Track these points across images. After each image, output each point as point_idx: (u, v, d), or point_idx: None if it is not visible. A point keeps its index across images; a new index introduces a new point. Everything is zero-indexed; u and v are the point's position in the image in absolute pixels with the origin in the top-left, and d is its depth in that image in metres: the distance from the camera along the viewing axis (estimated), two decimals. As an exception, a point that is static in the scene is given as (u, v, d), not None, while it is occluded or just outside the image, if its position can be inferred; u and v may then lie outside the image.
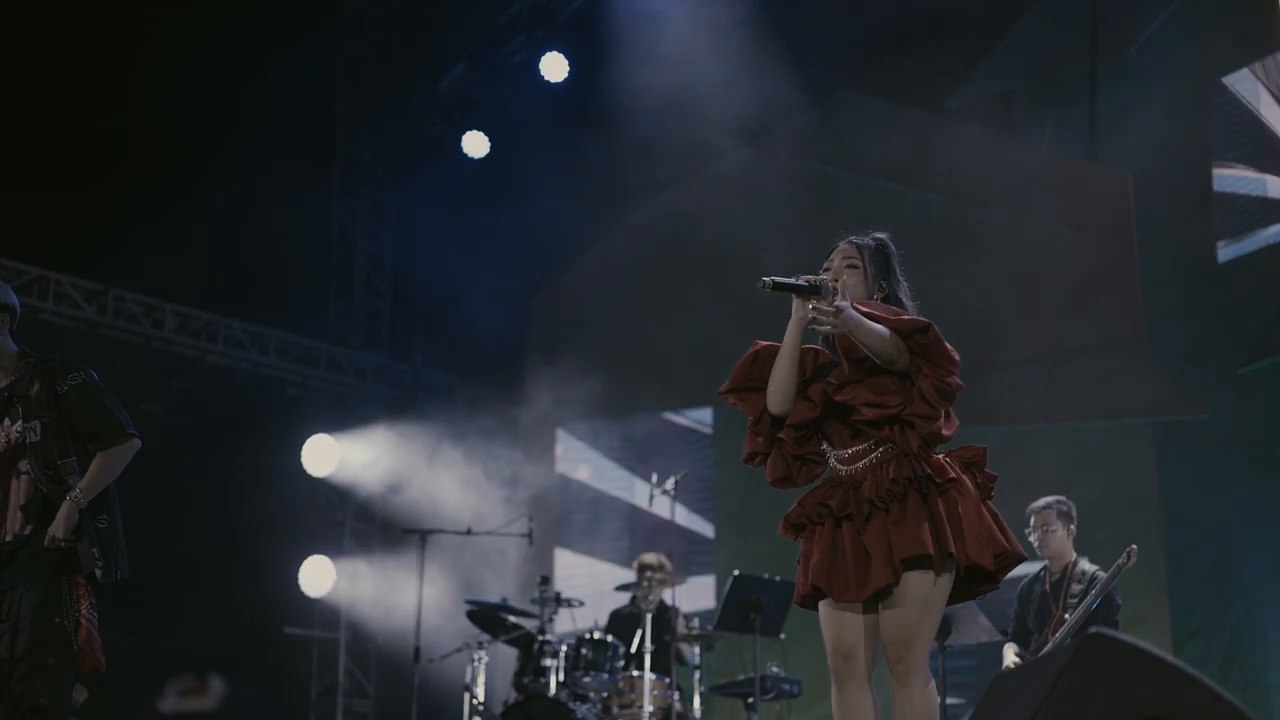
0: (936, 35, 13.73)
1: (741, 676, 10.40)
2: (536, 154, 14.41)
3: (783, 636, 10.40)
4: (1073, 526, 8.56)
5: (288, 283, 14.72)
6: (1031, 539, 8.63)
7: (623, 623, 10.65)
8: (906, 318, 4.96)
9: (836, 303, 4.78)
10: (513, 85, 14.82)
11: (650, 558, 10.92)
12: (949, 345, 4.95)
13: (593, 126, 14.35)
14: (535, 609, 10.47)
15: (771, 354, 5.17)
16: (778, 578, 10.28)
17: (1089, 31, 13.27)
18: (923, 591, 4.85)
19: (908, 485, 4.86)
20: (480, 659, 10.00)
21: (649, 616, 9.90)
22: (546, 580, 10.74)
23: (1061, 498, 8.58)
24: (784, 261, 14.12)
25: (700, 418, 14.79)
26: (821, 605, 5.07)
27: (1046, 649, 8.04)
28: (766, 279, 4.98)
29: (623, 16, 14.04)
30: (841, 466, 5.04)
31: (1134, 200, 13.08)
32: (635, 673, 9.99)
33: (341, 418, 14.99)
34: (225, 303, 14.21)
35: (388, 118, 15.33)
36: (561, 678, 9.85)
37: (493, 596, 12.18)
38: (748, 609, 9.88)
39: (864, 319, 4.82)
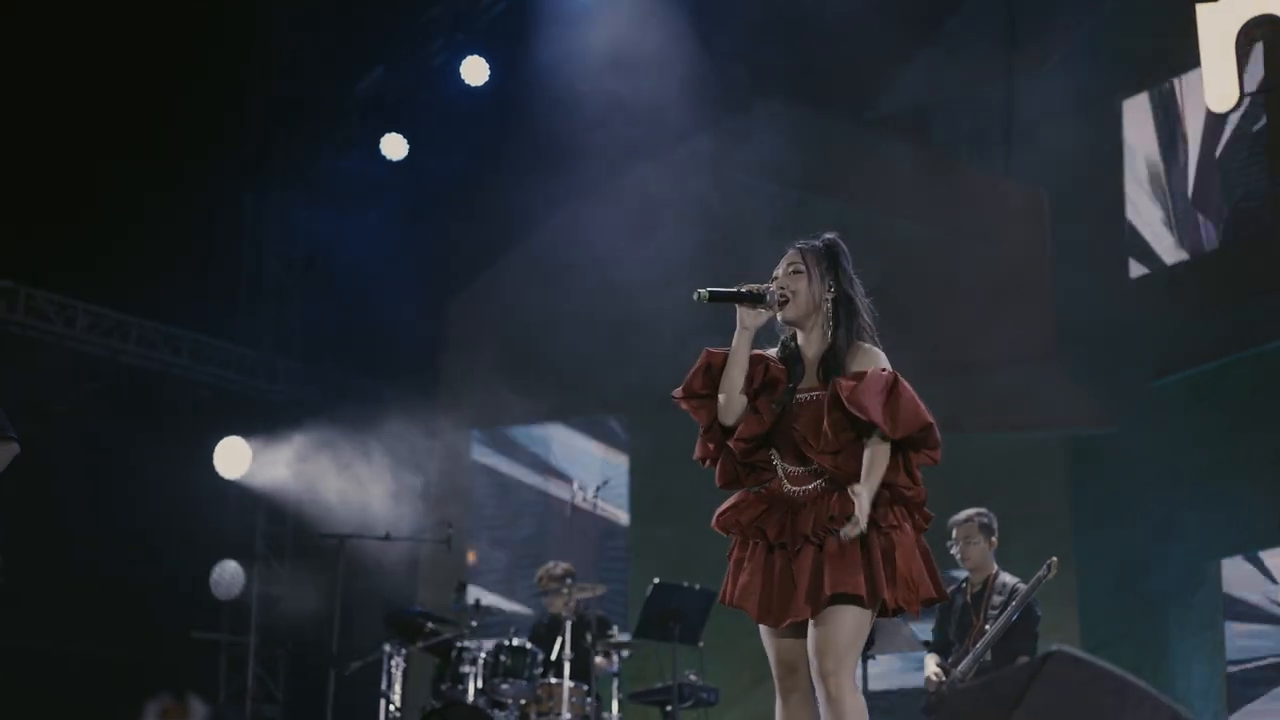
0: (855, 47, 13.79)
1: (659, 684, 10.41)
2: (456, 157, 14.35)
3: (701, 644, 10.42)
4: (994, 539, 8.64)
5: (201, 283, 14.58)
6: (953, 551, 8.70)
7: (542, 631, 10.64)
8: (910, 416, 4.94)
9: (855, 527, 4.79)
10: (432, 88, 14.74)
11: (553, 565, 10.90)
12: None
13: (513, 131, 14.33)
14: (453, 615, 10.44)
15: (721, 363, 5.18)
16: (697, 585, 10.30)
17: (1006, 48, 13.40)
18: (853, 618, 4.90)
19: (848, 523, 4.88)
20: (397, 665, 9.95)
21: (568, 624, 9.89)
22: (463, 587, 10.72)
23: (983, 510, 8.66)
24: (700, 273, 14.21)
25: (616, 424, 14.79)
26: (766, 637, 5.12)
27: (967, 660, 8.12)
28: (701, 290, 5.01)
29: (544, 22, 14.02)
30: (788, 483, 5.05)
31: (1047, 215, 13.25)
32: (554, 680, 9.99)
33: (254, 420, 14.86)
34: (138, 303, 14.04)
35: (303, 119, 15.21)
36: (480, 685, 9.82)
37: (410, 602, 12.16)
38: (667, 617, 9.90)
39: (868, 494, 4.84)
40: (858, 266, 13.38)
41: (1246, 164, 12.41)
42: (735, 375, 5.10)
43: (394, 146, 14.80)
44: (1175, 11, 12.28)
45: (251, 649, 14.68)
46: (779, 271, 5.21)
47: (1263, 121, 12.32)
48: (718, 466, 5.23)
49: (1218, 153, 12.59)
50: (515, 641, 10.03)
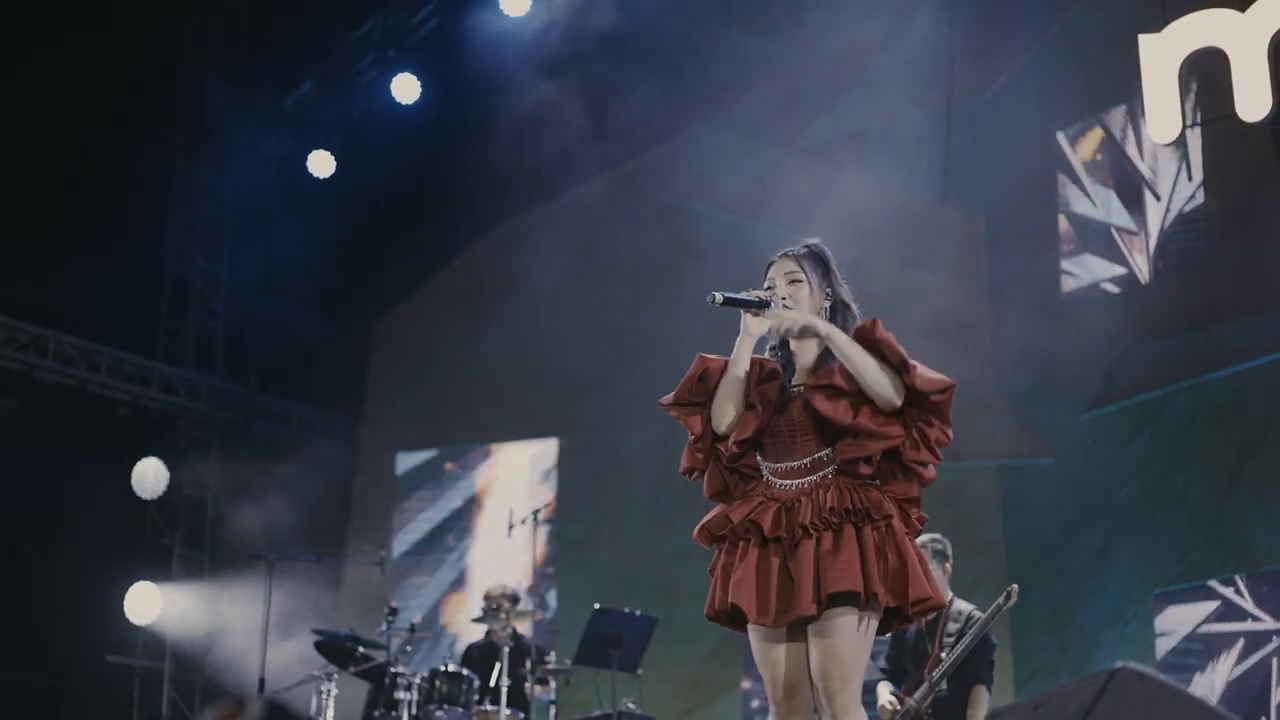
0: (790, 72, 13.75)
1: (597, 712, 10.20)
2: (385, 175, 14.14)
3: (640, 672, 10.24)
4: (948, 565, 8.51)
5: (121, 300, 14.25)
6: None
7: (477, 657, 10.39)
8: (934, 376, 4.80)
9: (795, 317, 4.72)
10: (362, 105, 14.53)
11: (496, 588, 10.70)
12: None
13: (444, 150, 14.15)
14: (384, 639, 10.19)
15: (718, 369, 5.02)
16: (638, 612, 10.13)
17: (946, 76, 13.38)
18: (854, 626, 4.74)
19: (845, 516, 4.73)
20: (329, 691, 9.67)
21: (506, 650, 9.67)
22: (395, 611, 10.46)
23: (936, 536, 8.52)
24: (631, 298, 14.10)
25: (546, 448, 14.58)
26: (755, 640, 4.93)
27: (922, 689, 7.99)
28: (716, 294, 4.87)
29: (475, 41, 13.87)
30: (777, 480, 4.90)
31: (983, 244, 13.22)
32: (490, 707, 9.76)
33: (173, 439, 14.53)
34: (56, 317, 13.69)
35: (230, 134, 14.94)
36: (414, 711, 9.57)
37: (336, 625, 11.88)
38: (606, 643, 9.71)
39: (825, 328, 4.77)
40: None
41: (1184, 196, 12.44)
42: (734, 381, 4.95)
43: (321, 164, 14.55)
44: (1114, 43, 12.31)
45: (167, 674, 14.31)
46: (777, 281, 5.04)
47: (1200, 154, 12.36)
48: (705, 477, 5.03)
49: (1155, 184, 12.60)
50: (451, 667, 9.79)
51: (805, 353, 5.01)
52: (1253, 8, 10.77)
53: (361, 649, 9.89)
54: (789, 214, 13.88)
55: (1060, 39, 12.73)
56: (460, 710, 9.67)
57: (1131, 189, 12.74)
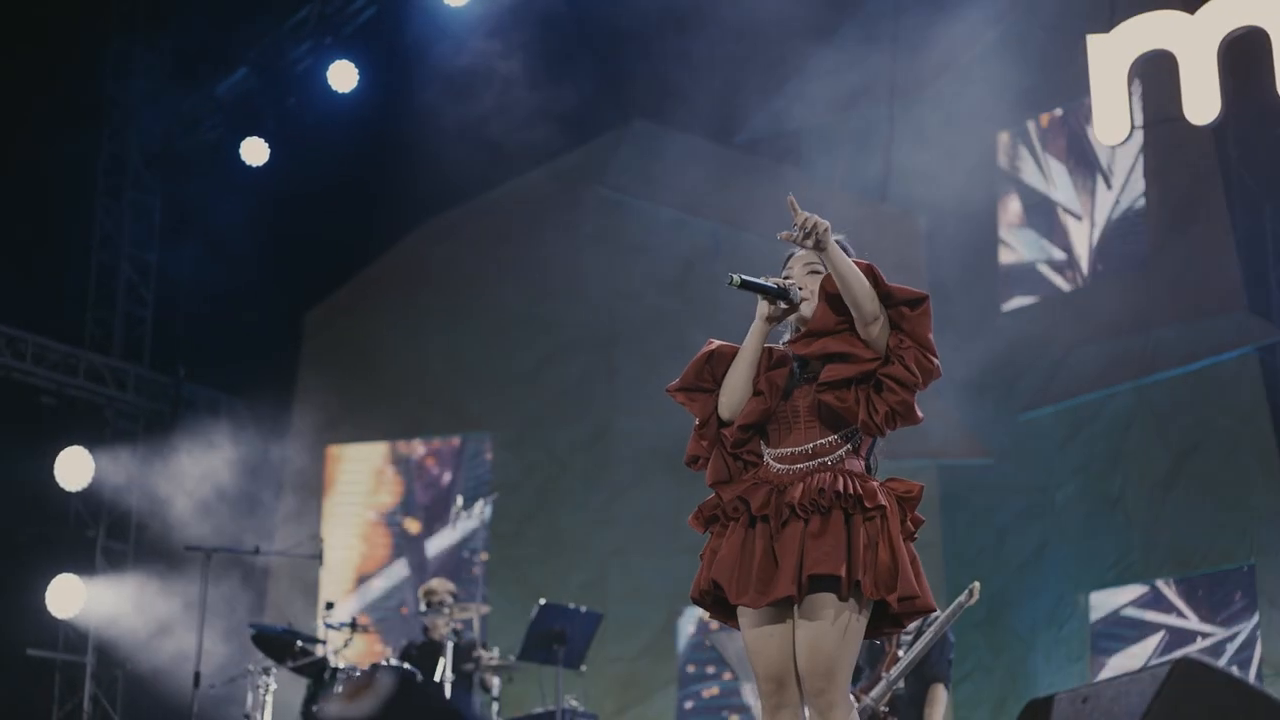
0: (730, 68, 13.69)
1: (540, 709, 10.09)
2: (320, 164, 13.92)
3: (584, 669, 10.14)
4: (903, 563, 8.41)
5: (48, 287, 13.97)
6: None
7: (417, 653, 10.22)
8: (901, 287, 4.77)
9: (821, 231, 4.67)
10: (297, 93, 14.30)
11: (435, 584, 10.56)
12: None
13: (381, 139, 13.97)
14: (322, 633, 10.02)
15: (727, 355, 4.94)
16: (583, 608, 10.02)
17: (887, 73, 13.36)
18: (839, 618, 4.63)
19: (835, 501, 4.64)
20: (267, 686, 9.48)
21: (450, 646, 9.52)
22: (332, 605, 10.30)
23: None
24: (569, 291, 13.99)
25: (479, 443, 14.42)
26: (746, 630, 4.82)
27: (880, 687, 7.92)
28: (735, 276, 4.78)
29: (416, 28, 13.71)
30: (776, 464, 4.81)
31: (923, 243, 13.21)
32: (433, 703, 9.61)
33: (99, 430, 14.25)
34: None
35: (161, 119, 14.67)
36: (354, 706, 9.39)
37: (264, 619, 11.71)
38: (551, 639, 9.59)
39: (845, 255, 4.73)
40: (733, 289, 13.18)
41: (1125, 197, 12.49)
42: (745, 367, 4.86)
43: (254, 151, 14.31)
44: (1056, 45, 12.34)
45: (88, 669, 14.02)
46: (794, 270, 4.96)
47: (1141, 155, 12.40)
48: (709, 465, 4.93)
49: (1095, 185, 12.64)
50: (392, 663, 9.62)
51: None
52: (1202, 10, 10.81)
53: (301, 643, 9.70)
54: (728, 210, 13.83)
55: (1005, 38, 12.72)
56: (400, 705, 9.51)
57: (1070, 190, 12.77)
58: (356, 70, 13.94)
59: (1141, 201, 12.42)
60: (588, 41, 13.39)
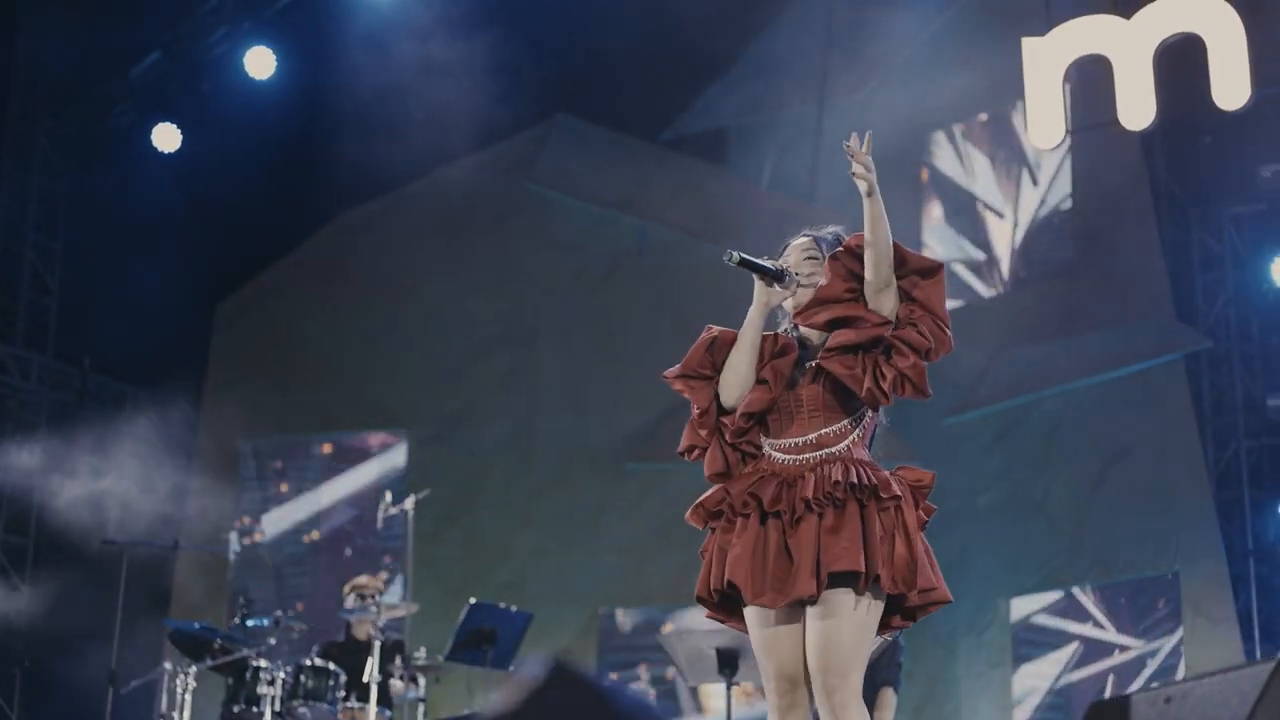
0: (655, 67, 13.57)
1: (467, 710, 9.89)
2: (235, 152, 13.61)
3: (512, 669, 9.94)
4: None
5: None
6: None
7: (339, 652, 9.98)
8: (915, 254, 4.67)
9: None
10: (212, 78, 13.97)
11: (366, 579, 10.33)
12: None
13: (300, 128, 13.68)
14: (238, 631, 9.76)
15: (728, 341, 4.79)
16: (513, 608, 9.83)
17: (818, 74, 13.28)
18: (854, 613, 4.50)
19: (850, 492, 4.49)
20: (186, 686, 9.21)
21: (378, 645, 9.29)
22: (250, 603, 10.04)
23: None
24: (491, 288, 13.77)
25: (396, 440, 14.16)
26: (755, 627, 4.66)
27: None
28: (733, 253, 4.65)
29: (337, 17, 13.45)
30: (780, 455, 4.65)
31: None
32: (356, 704, 9.38)
33: (2, 421, 13.84)
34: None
35: (69, 103, 14.27)
36: (277, 707, 9.15)
37: (171, 615, 11.42)
38: (480, 639, 9.39)
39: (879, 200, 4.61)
40: (656, 286, 13.12)
41: (1062, 191, 12.50)
42: (746, 353, 4.70)
43: (166, 137, 13.96)
44: (986, 48, 12.31)
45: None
46: (791, 257, 4.81)
47: (1069, 160, 12.41)
48: (707, 455, 4.76)
49: (1021, 189, 12.64)
50: (317, 662, 9.38)
51: (815, 333, 4.76)
52: (1137, 15, 10.78)
53: (220, 642, 9.43)
54: (653, 207, 13.71)
55: (938, 40, 12.69)
56: (325, 707, 9.28)
57: (997, 194, 12.76)
58: (274, 57, 13.63)
59: (1068, 203, 12.44)
60: (513, 32, 13.17)
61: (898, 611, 4.66)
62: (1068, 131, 11.02)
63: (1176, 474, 11.72)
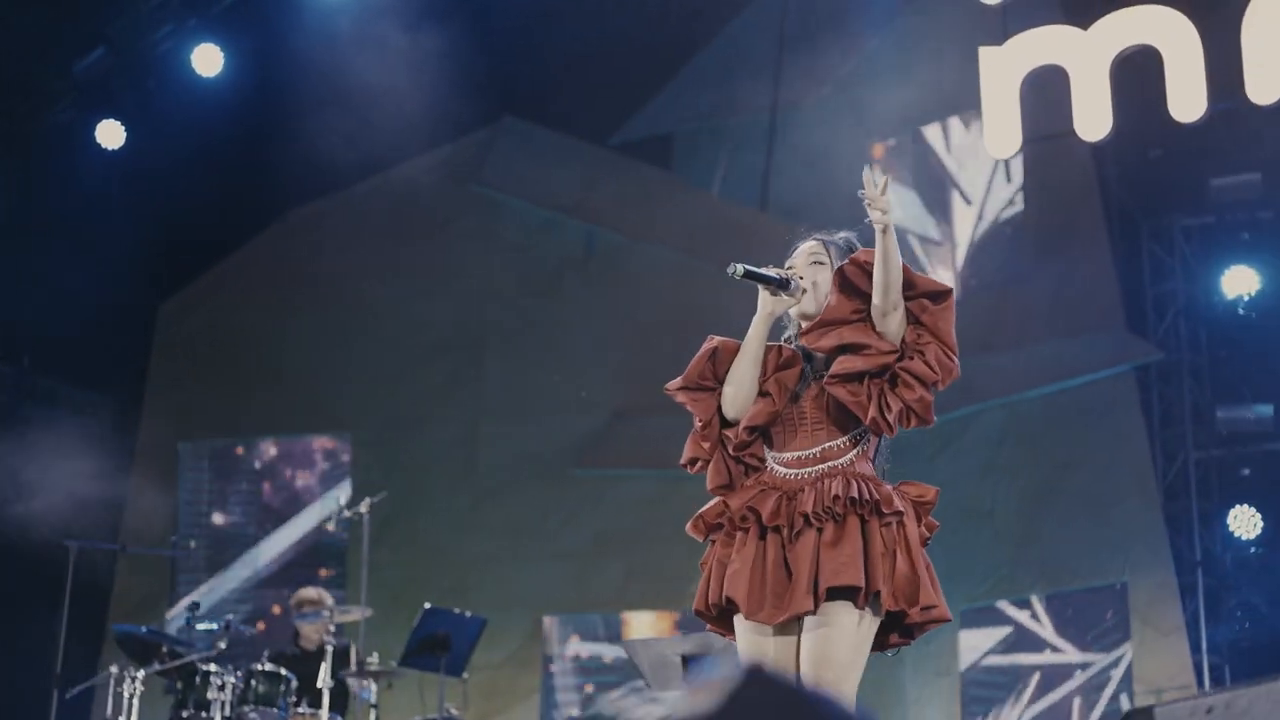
0: (605, 71, 13.52)
1: (418, 718, 9.76)
2: (180, 150, 13.42)
3: (465, 677, 9.84)
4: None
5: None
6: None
7: (290, 658, 9.84)
8: (924, 276, 4.58)
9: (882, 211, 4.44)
10: (158, 75, 13.77)
11: (310, 592, 10.22)
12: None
13: (246, 127, 13.52)
14: (185, 635, 9.62)
15: (730, 351, 4.70)
16: (467, 613, 9.73)
17: (771, 81, 13.26)
18: (851, 629, 4.43)
19: (850, 507, 4.43)
20: (133, 691, 9.04)
21: (330, 650, 9.17)
22: (196, 606, 9.90)
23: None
24: (437, 289, 13.64)
25: (339, 443, 13.99)
26: (745, 635, 4.58)
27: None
28: (737, 266, 4.60)
29: (286, 15, 13.30)
30: (781, 469, 4.60)
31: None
32: (306, 710, 9.25)
33: (-65, 420, 13.60)
34: None
35: (9, 97, 14.02)
36: (227, 712, 9.00)
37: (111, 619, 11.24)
38: (435, 645, 9.28)
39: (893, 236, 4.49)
40: (605, 291, 13.04)
41: (1001, 199, 12.52)
42: (749, 364, 4.63)
43: (110, 134, 13.75)
44: (949, 56, 12.31)
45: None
46: (797, 261, 4.75)
47: (1020, 170, 12.43)
48: (710, 468, 4.69)
49: (970, 200, 12.65)
50: (269, 667, 9.24)
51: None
52: (1095, 26, 10.82)
53: (168, 646, 9.28)
54: (601, 212, 13.65)
55: (891, 50, 12.69)
56: (276, 712, 9.14)
57: (943, 203, 12.77)
58: (222, 54, 13.45)
59: (1014, 207, 12.47)
60: (464, 33, 13.07)
61: (896, 629, 4.59)
62: (1025, 141, 11.05)
63: (1126, 485, 11.76)
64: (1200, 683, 11.06)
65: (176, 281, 14.52)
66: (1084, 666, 11.69)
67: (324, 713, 9.07)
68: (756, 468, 4.67)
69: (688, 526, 4.72)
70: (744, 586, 4.46)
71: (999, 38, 11.22)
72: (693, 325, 13.42)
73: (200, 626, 9.58)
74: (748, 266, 4.61)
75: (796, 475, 4.56)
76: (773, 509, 4.48)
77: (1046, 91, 11.26)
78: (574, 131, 13.81)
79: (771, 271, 4.66)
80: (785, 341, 4.77)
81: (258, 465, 14.02)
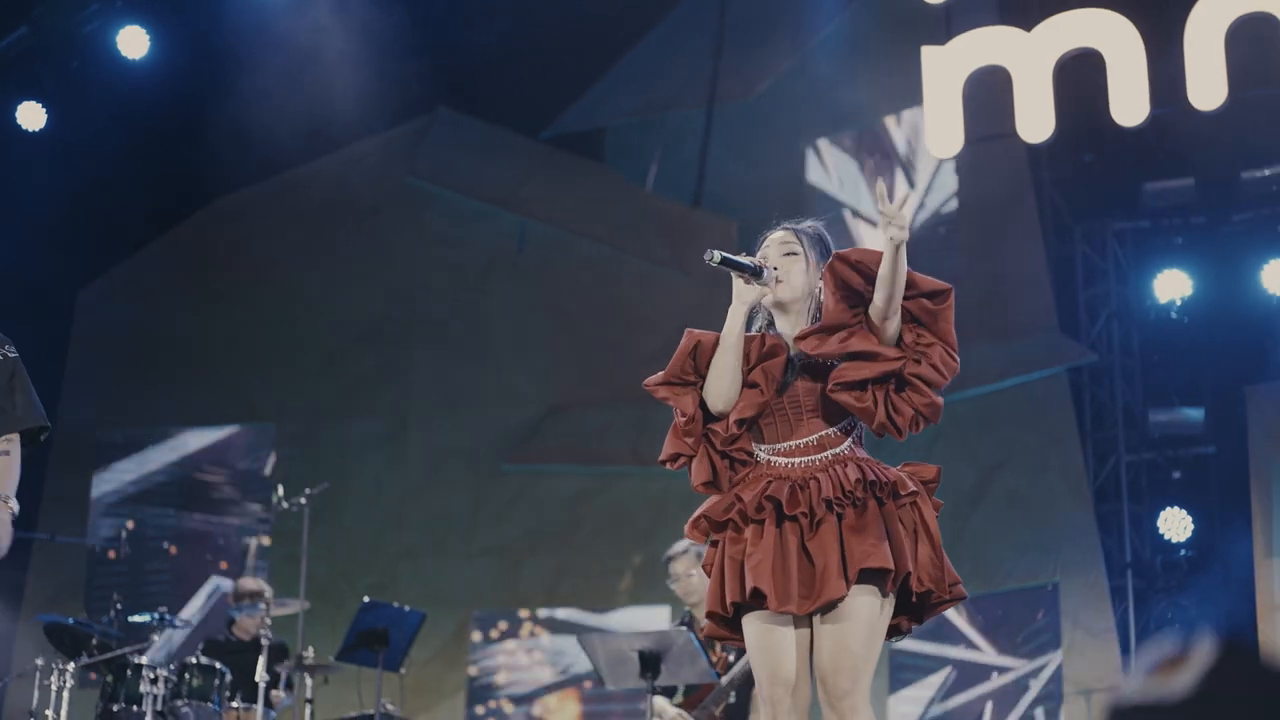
0: (539, 64, 13.41)
1: (355, 714, 9.59)
2: (102, 134, 13.16)
3: (403, 672, 9.69)
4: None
5: None
6: (672, 586, 8.23)
7: (222, 650, 9.66)
8: (924, 276, 4.50)
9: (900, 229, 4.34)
10: (82, 56, 13.48)
11: (250, 583, 10.04)
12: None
13: (172, 112, 13.29)
14: (110, 627, 9.40)
15: (711, 345, 4.60)
16: (406, 607, 9.58)
17: (708, 76, 13.21)
18: (870, 614, 4.37)
19: (869, 491, 4.36)
20: (63, 684, 8.82)
21: (267, 644, 9.00)
22: (125, 598, 9.68)
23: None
24: (365, 281, 13.46)
25: (263, 435, 13.76)
26: (754, 628, 4.49)
27: (711, 695, 7.71)
28: (714, 253, 4.53)
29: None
30: (780, 459, 4.50)
31: (736, 250, 13.06)
32: (242, 704, 9.08)
33: None
34: None
35: (-72, 76, 13.71)
36: (159, 706, 8.79)
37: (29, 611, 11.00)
38: (372, 640, 9.13)
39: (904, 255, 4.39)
40: (537, 284, 12.97)
41: (945, 189, 12.53)
42: (730, 355, 4.53)
43: (31, 116, 13.45)
44: (888, 56, 12.31)
45: None
46: (769, 251, 4.68)
47: (957, 170, 12.45)
48: (693, 465, 4.59)
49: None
50: (203, 660, 9.05)
51: (793, 332, 4.64)
52: (1038, 28, 10.84)
53: (99, 638, 9.07)
54: (533, 205, 13.54)
55: (831, 48, 12.67)
56: (210, 707, 8.96)
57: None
58: (148, 37, 13.20)
59: (948, 207, 12.49)
60: (396, 24, 12.91)
61: (906, 612, 4.54)
62: (967, 141, 11.05)
63: (1057, 486, 11.80)
64: (1129, 684, 11.09)
65: (97, 268, 14.24)
66: (1001, 670, 11.70)
67: (259, 708, 8.89)
68: (744, 461, 4.58)
69: (687, 529, 4.62)
70: (768, 577, 4.36)
71: (942, 38, 11.21)
72: (623, 320, 13.45)
73: (132, 618, 9.35)
74: (724, 254, 4.54)
75: (800, 464, 4.49)
76: (790, 497, 4.40)
77: (986, 92, 11.27)
78: (508, 124, 13.70)
79: (746, 259, 4.58)
80: (760, 331, 4.69)
81: (177, 456, 13.76)
